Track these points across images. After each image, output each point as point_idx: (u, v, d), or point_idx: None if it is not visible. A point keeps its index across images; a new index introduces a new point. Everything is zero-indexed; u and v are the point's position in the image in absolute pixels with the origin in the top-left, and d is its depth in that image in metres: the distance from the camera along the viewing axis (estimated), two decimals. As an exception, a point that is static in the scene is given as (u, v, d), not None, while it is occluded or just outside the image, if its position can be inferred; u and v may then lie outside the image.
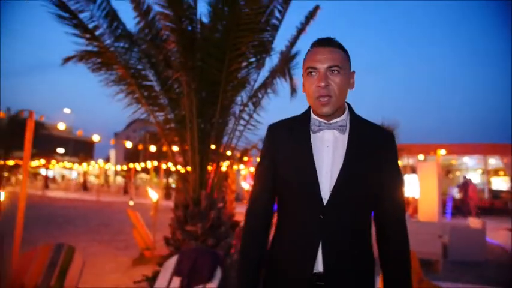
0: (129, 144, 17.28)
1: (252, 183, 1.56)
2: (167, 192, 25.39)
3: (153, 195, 5.49)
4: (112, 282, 5.14)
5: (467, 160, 23.15)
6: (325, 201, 1.34)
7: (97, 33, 4.22)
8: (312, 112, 1.44)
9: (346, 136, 1.39)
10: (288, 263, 1.40)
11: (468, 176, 25.56)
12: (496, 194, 22.24)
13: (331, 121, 1.39)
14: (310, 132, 1.42)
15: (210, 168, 3.93)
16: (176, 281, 2.75)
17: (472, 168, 25.32)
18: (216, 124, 3.82)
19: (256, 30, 3.68)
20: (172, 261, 2.90)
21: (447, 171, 26.46)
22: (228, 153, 4.50)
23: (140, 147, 26.10)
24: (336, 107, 1.35)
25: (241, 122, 4.15)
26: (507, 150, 18.02)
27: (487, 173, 22.53)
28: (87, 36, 4.10)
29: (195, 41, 3.59)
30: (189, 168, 3.89)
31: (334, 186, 1.33)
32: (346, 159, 1.35)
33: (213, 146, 3.92)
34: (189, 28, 3.61)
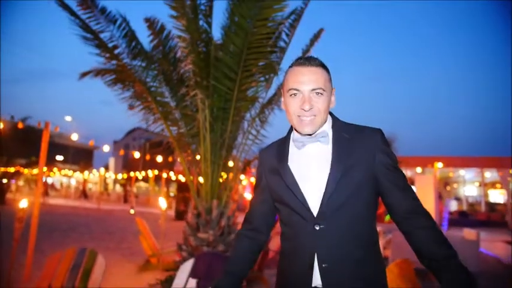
0: (137, 155, 17.52)
1: (251, 199, 1.65)
2: (168, 201, 25.52)
3: (163, 204, 5.77)
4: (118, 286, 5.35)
5: (465, 173, 23.45)
6: (315, 213, 1.33)
7: (116, 51, 4.53)
8: (294, 130, 1.45)
9: (330, 146, 1.38)
10: (289, 276, 1.42)
11: (465, 189, 25.93)
12: (492, 207, 22.50)
13: (312, 134, 1.39)
14: (295, 149, 1.43)
15: (220, 179, 4.21)
16: (192, 282, 3.01)
17: (470, 181, 25.63)
18: (227, 138, 4.11)
19: (266, 53, 4.00)
20: (188, 265, 3.15)
21: (445, 183, 26.76)
22: (231, 163, 4.77)
23: (148, 157, 26.24)
24: (318, 127, 1.37)
25: (250, 136, 4.45)
26: (503, 163, 18.32)
27: (484, 185, 22.82)
28: (107, 55, 4.41)
29: (209, 62, 3.90)
30: (201, 179, 4.17)
31: (322, 196, 1.33)
32: (332, 168, 1.33)
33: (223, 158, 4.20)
34: (204, 50, 3.92)
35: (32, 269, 5.38)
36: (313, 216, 1.34)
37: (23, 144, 20.88)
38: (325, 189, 1.32)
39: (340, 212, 1.32)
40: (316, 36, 4.74)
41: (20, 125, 18.06)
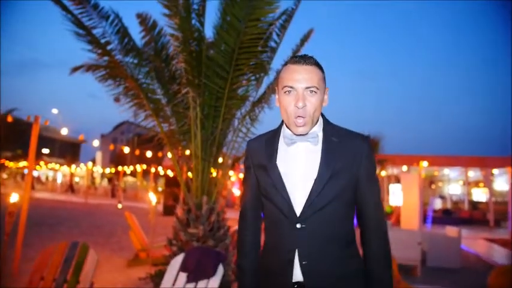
0: (127, 150, 17.51)
1: (241, 193, 1.66)
2: (156, 196, 25.37)
3: (153, 199, 5.84)
4: (109, 282, 5.41)
5: (449, 172, 23.94)
6: (298, 212, 1.38)
7: (108, 48, 4.55)
8: (285, 125, 1.47)
9: (319, 147, 1.42)
10: (270, 271, 1.46)
11: (449, 187, 26.49)
12: (475, 205, 23.07)
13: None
14: (284, 146, 1.45)
15: (210, 175, 4.30)
16: (183, 276, 3.10)
17: (454, 180, 26.17)
18: (218, 136, 4.20)
19: (257, 52, 4.08)
20: (178, 259, 3.24)
21: (430, 182, 27.29)
22: (220, 160, 4.85)
23: (137, 152, 26.05)
24: (310, 127, 1.40)
25: (240, 134, 4.55)
26: (486, 163, 18.78)
27: (468, 184, 23.34)
28: (99, 51, 4.43)
29: (201, 60, 3.97)
30: (191, 175, 4.25)
31: (307, 197, 1.37)
32: (320, 170, 1.38)
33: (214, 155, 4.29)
34: (196, 48, 3.98)
35: (20, 263, 5.40)
36: (296, 215, 1.38)
37: (8, 136, 20.65)
38: (311, 191, 1.37)
39: (322, 212, 1.38)
40: (306, 37, 4.83)
41: (10, 119, 17.81)
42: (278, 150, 1.46)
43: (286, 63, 1.43)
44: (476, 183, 25.85)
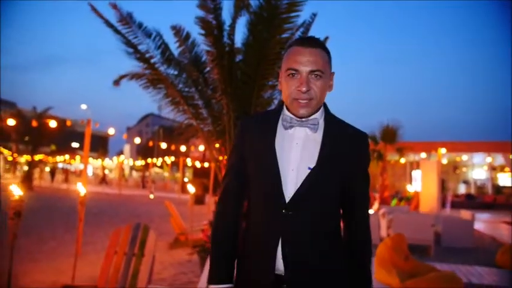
0: (164, 145, 18.63)
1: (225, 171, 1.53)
2: (185, 186, 26.31)
3: (191, 189, 6.68)
4: (157, 259, 6.30)
5: (473, 157, 23.93)
6: (287, 199, 1.32)
7: (152, 61, 5.34)
8: (285, 108, 1.40)
9: (317, 135, 1.36)
10: (251, 259, 1.39)
11: (473, 172, 26.43)
12: (499, 189, 23.06)
13: (303, 118, 1.35)
14: (282, 128, 1.38)
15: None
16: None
17: (478, 164, 26.10)
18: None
19: (279, 63, 4.78)
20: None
21: (454, 167, 27.31)
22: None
23: (166, 145, 27.17)
24: (313, 110, 1.34)
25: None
26: (507, 148, 18.79)
27: (492, 169, 23.29)
28: (145, 65, 5.23)
29: (232, 72, 4.71)
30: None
31: (300, 185, 1.32)
32: (319, 158, 1.32)
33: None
34: (228, 62, 4.72)
35: (81, 246, 6.38)
36: (285, 201, 1.33)
37: (43, 133, 22.21)
38: (305, 180, 1.33)
39: (310, 202, 1.34)
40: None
41: (68, 123, 19.17)
42: (276, 132, 1.39)
43: (291, 45, 1.36)
44: (501, 168, 25.70)
